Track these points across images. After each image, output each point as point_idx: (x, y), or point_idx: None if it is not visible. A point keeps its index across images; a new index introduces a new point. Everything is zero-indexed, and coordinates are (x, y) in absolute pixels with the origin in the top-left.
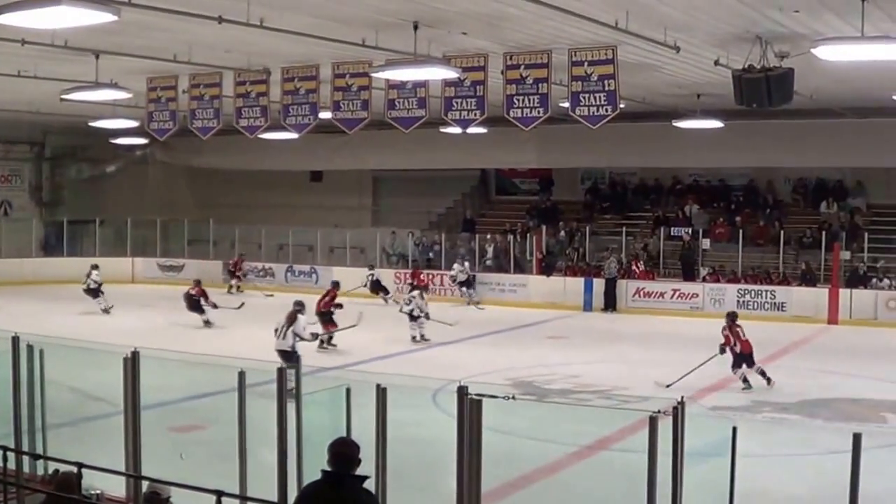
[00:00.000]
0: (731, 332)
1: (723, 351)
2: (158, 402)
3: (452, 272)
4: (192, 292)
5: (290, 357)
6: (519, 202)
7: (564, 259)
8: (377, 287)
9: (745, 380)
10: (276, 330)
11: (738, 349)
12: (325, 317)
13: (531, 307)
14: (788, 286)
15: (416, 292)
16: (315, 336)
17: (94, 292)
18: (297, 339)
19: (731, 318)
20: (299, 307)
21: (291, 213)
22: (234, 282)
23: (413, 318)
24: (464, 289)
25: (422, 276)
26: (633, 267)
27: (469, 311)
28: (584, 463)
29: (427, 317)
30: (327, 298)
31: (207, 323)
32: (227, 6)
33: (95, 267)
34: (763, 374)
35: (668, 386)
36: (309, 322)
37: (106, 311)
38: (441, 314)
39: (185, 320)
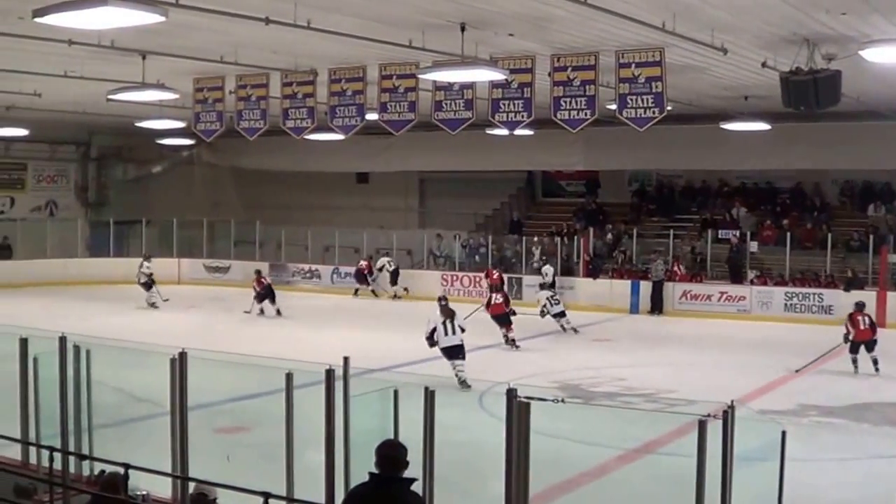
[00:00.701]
0: (852, 320)
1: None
2: (204, 403)
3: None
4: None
5: (461, 350)
6: (565, 204)
7: (611, 261)
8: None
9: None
10: (433, 331)
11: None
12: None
13: (578, 310)
14: (836, 289)
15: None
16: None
17: (146, 285)
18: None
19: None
20: (445, 300)
21: (337, 214)
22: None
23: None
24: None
25: (495, 275)
26: (675, 268)
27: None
28: (630, 466)
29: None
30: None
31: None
32: (274, 7)
33: (147, 258)
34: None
35: (797, 371)
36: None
37: (153, 305)
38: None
39: (231, 321)
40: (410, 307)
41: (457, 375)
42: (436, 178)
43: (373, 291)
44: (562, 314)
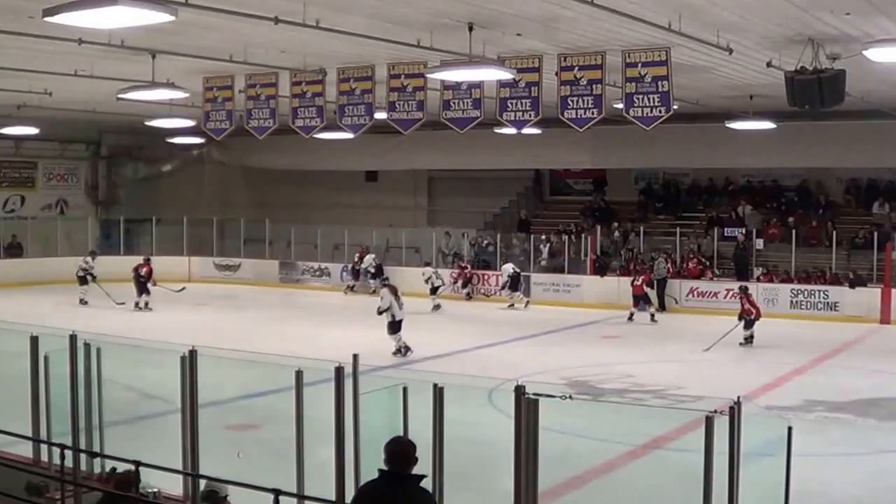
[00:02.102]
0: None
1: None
2: (214, 401)
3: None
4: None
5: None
6: (573, 202)
7: (618, 259)
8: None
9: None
10: (384, 310)
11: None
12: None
13: (585, 307)
14: (841, 286)
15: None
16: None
17: (82, 280)
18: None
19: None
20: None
21: (347, 212)
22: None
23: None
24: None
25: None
26: (689, 264)
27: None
28: (639, 462)
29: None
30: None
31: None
32: (283, 7)
33: (91, 255)
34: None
35: (705, 350)
36: None
37: (83, 301)
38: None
39: (241, 319)
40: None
41: (401, 346)
42: (444, 176)
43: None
44: (434, 290)
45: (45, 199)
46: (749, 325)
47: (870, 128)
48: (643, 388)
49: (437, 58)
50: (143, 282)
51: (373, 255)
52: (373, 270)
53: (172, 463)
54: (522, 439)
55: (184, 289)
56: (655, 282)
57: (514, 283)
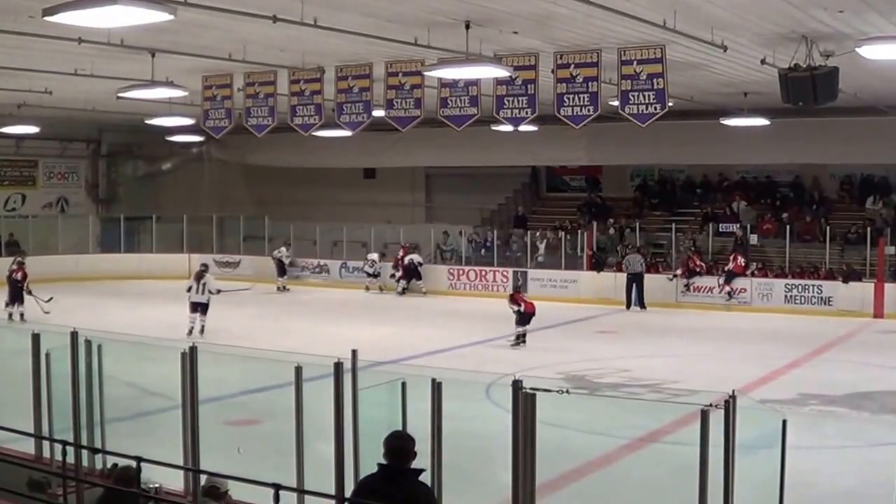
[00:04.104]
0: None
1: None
2: (215, 397)
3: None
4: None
5: (203, 307)
6: (569, 199)
7: (615, 255)
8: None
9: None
10: (189, 288)
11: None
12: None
13: (581, 303)
14: (835, 281)
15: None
16: (219, 291)
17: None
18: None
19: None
20: (205, 268)
21: (345, 209)
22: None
23: None
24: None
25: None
26: (692, 265)
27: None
28: (635, 455)
29: None
30: None
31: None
32: (281, 5)
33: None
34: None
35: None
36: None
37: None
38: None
39: (241, 315)
40: (419, 302)
41: (192, 326)
42: (442, 173)
43: (379, 287)
44: (375, 275)
45: (46, 197)
46: (525, 320)
47: (863, 124)
48: (639, 382)
49: (434, 56)
50: (18, 287)
51: (415, 255)
52: (412, 268)
53: (173, 458)
54: (520, 433)
55: (51, 299)
56: (631, 277)
57: (416, 272)
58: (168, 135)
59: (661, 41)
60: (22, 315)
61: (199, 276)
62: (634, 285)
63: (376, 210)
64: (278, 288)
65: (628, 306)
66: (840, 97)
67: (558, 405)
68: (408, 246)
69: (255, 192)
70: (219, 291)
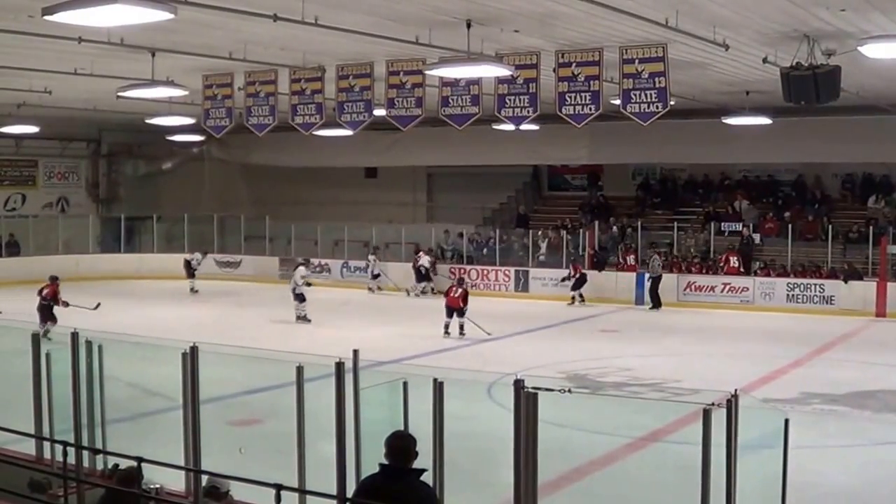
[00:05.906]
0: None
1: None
2: (216, 397)
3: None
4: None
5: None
6: (571, 198)
7: (616, 254)
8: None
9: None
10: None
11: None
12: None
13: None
14: (837, 280)
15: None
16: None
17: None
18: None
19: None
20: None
21: (346, 209)
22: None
23: None
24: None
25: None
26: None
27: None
28: (637, 454)
29: None
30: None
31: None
32: (282, 4)
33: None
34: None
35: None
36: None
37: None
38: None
39: (242, 315)
40: (419, 302)
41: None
42: (443, 172)
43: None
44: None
45: (46, 197)
46: (448, 313)
47: (865, 123)
48: (641, 381)
49: (435, 55)
50: (44, 305)
51: (428, 257)
52: (423, 272)
53: (174, 459)
54: (522, 432)
55: (98, 305)
56: (651, 279)
57: (426, 276)
58: (168, 134)
59: (663, 40)
60: (47, 332)
61: (295, 269)
62: (651, 284)
63: (378, 209)
64: (191, 290)
65: (657, 306)
66: (842, 96)
67: (560, 404)
68: (424, 250)
69: (255, 191)
70: (307, 284)
